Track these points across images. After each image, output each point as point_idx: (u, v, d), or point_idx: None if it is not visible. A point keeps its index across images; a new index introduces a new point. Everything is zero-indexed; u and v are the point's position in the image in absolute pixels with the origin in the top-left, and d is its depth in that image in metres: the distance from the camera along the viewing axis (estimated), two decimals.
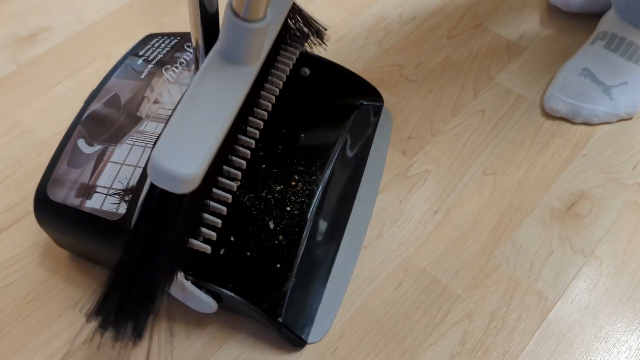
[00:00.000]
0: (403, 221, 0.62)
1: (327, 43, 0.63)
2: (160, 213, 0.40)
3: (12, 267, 0.58)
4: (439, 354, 0.53)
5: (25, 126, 0.70)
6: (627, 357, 0.54)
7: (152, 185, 0.39)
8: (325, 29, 0.61)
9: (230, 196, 0.48)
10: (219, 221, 0.47)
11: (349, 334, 0.54)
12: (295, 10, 0.58)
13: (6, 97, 0.73)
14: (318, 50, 0.64)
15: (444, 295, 0.57)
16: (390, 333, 0.54)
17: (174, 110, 0.38)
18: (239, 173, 0.49)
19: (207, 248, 0.47)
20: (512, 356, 0.53)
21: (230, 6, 0.38)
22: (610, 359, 0.54)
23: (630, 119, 0.71)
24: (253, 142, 0.50)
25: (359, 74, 0.75)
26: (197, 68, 0.47)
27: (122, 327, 0.41)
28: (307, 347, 0.53)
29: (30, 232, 0.60)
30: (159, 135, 0.37)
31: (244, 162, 0.49)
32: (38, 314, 0.55)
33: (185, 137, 0.37)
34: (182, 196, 0.38)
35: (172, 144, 0.36)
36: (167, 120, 0.42)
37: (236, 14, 0.38)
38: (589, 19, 0.82)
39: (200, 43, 0.45)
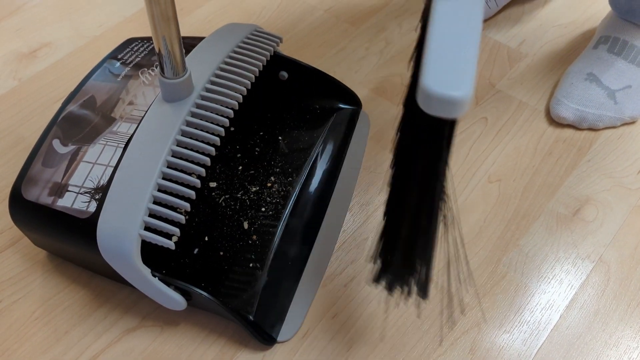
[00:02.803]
0: None
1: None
2: (433, 146, 0.39)
3: (17, 285, 0.58)
4: None
5: (28, 142, 0.70)
6: None
7: (420, 119, 0.37)
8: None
9: (193, 192, 0.48)
10: (182, 217, 0.48)
11: (357, 346, 0.54)
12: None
13: (8, 114, 0.73)
14: (317, 60, 0.65)
15: (452, 304, 0.56)
16: (399, 344, 0.54)
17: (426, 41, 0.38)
18: (207, 160, 0.50)
19: (170, 244, 0.47)
20: None
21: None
22: None
23: (633, 122, 0.71)
24: (218, 139, 0.51)
25: (360, 84, 0.75)
26: (162, 71, 0.50)
27: (407, 283, 0.43)
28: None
29: (35, 248, 0.60)
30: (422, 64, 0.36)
31: (208, 159, 0.50)
32: (45, 330, 0.55)
33: (449, 61, 0.36)
34: (452, 122, 0.38)
35: (439, 70, 0.36)
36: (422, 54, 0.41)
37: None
38: (586, 24, 0.82)
39: (163, 49, 0.47)
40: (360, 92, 0.74)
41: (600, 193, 0.65)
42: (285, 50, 0.79)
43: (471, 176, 0.66)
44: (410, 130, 0.42)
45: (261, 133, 0.67)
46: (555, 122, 0.71)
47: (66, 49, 0.80)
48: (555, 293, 0.57)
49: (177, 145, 0.49)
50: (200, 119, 0.51)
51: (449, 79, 0.35)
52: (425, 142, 0.39)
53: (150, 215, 0.47)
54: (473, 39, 0.38)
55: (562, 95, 0.70)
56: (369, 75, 0.76)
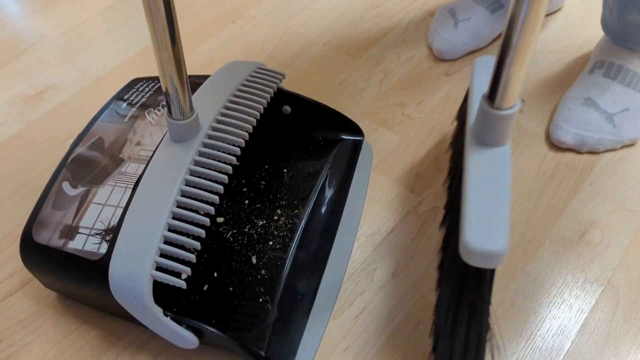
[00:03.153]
0: (417, 259, 0.62)
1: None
2: (476, 290, 0.45)
3: (28, 327, 0.58)
4: None
5: (36, 184, 0.70)
6: None
7: (464, 268, 0.43)
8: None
9: (203, 231, 0.49)
10: (193, 256, 0.48)
11: None
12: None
13: (16, 156, 0.74)
14: (319, 93, 0.66)
15: None
16: None
17: None
18: (216, 198, 0.51)
19: (182, 283, 0.48)
20: None
21: (485, 99, 0.45)
22: None
23: (633, 144, 0.72)
24: (226, 177, 0.52)
25: (362, 114, 0.76)
26: (169, 112, 0.51)
27: None
28: None
29: (45, 290, 0.60)
30: (463, 221, 0.43)
31: (217, 198, 0.51)
32: None
33: (485, 216, 0.42)
34: (492, 271, 0.44)
35: (478, 227, 0.41)
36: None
37: (492, 106, 0.45)
38: (581, 49, 0.84)
39: (171, 90, 0.48)
40: (362, 123, 0.75)
41: (605, 216, 0.65)
42: (287, 83, 0.80)
43: None
44: (454, 274, 0.47)
45: (266, 166, 0.68)
46: (555, 146, 0.72)
47: (71, 90, 0.82)
48: (566, 318, 0.57)
49: (186, 185, 0.50)
50: (208, 158, 0.52)
51: (487, 234, 0.40)
52: (469, 287, 0.45)
53: (161, 255, 0.47)
54: (505, 193, 0.43)
55: (561, 120, 0.72)
56: (370, 105, 0.78)
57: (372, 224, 0.65)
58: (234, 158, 0.53)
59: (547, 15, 0.89)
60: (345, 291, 0.60)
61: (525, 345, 0.56)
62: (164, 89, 0.49)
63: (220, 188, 0.51)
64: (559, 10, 0.90)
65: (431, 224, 0.65)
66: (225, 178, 0.51)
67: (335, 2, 0.94)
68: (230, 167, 0.52)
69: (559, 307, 0.58)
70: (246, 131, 0.56)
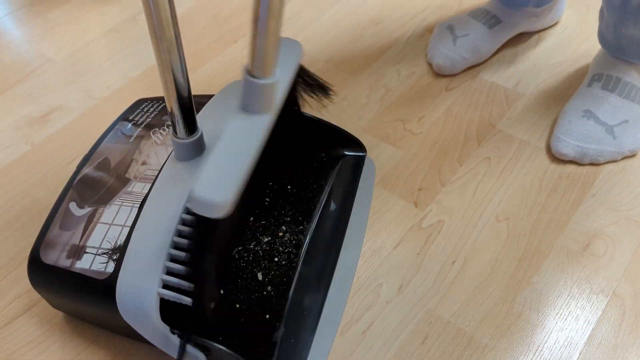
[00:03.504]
0: (422, 273, 0.62)
1: (332, 99, 0.66)
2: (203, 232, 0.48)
3: (36, 349, 0.58)
4: None
5: (43, 204, 0.71)
6: None
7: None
8: (331, 87, 0.65)
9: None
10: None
11: None
12: (303, 71, 0.62)
13: (22, 177, 0.74)
14: (321, 110, 0.67)
15: (471, 346, 0.57)
16: None
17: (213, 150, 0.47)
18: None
19: (188, 300, 0.48)
20: None
21: (246, 69, 0.46)
22: None
23: (633, 155, 0.72)
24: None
25: (364, 130, 0.77)
26: (174, 132, 0.52)
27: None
28: None
29: (52, 311, 0.60)
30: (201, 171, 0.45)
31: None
32: None
33: (218, 173, 0.45)
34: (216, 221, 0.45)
35: (209, 179, 0.44)
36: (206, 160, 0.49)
37: (250, 75, 0.46)
38: (578, 62, 0.85)
39: (176, 110, 0.49)
40: (365, 139, 0.76)
41: (608, 227, 0.66)
42: None
43: (479, 216, 0.67)
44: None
45: (270, 183, 0.68)
46: (557, 158, 0.72)
47: (76, 111, 0.83)
48: (573, 330, 0.58)
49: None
50: None
51: (213, 187, 0.43)
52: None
53: (168, 273, 0.48)
54: (247, 155, 0.46)
55: (561, 132, 0.72)
56: (372, 121, 0.78)
57: (377, 239, 0.66)
58: None
59: (545, 29, 0.91)
60: (352, 306, 0.60)
61: (533, 358, 0.56)
62: (168, 109, 0.49)
63: None
64: (556, 24, 0.91)
65: (436, 237, 0.65)
66: None
67: (335, 21, 0.95)
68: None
69: (566, 319, 0.58)
70: None
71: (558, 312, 0.59)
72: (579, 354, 0.56)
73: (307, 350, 0.56)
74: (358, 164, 0.71)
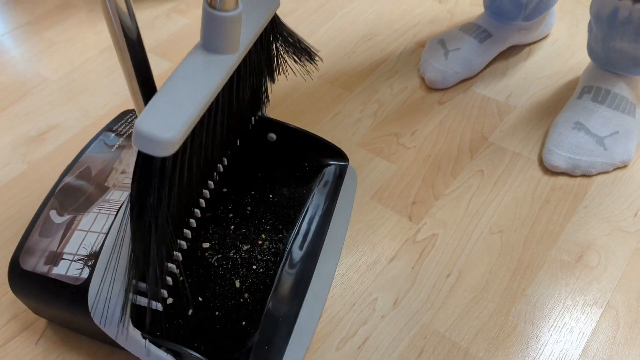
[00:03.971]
0: (417, 287, 0.63)
1: (317, 62, 0.64)
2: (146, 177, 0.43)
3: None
4: None
5: None
6: None
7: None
8: (317, 51, 0.62)
9: (180, 254, 0.51)
10: (170, 280, 0.50)
11: None
12: (282, 27, 0.60)
13: (20, 197, 0.75)
14: (315, 124, 0.67)
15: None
16: None
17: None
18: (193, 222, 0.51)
19: (159, 306, 0.49)
20: None
21: (205, 1, 0.43)
22: None
23: (625, 166, 0.73)
24: (207, 192, 0.54)
25: (358, 145, 0.78)
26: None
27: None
28: None
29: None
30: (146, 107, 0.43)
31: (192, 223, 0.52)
32: None
33: (166, 109, 0.42)
34: (163, 161, 0.42)
35: (154, 114, 0.42)
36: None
37: (211, 6, 0.43)
38: (569, 75, 0.86)
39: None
40: (358, 153, 0.76)
41: (601, 238, 0.66)
42: (283, 117, 0.82)
43: (473, 229, 0.68)
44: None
45: (252, 192, 0.69)
46: (549, 170, 0.73)
47: (73, 129, 0.83)
48: (568, 342, 0.58)
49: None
50: None
51: (158, 123, 0.40)
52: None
53: (141, 279, 0.48)
54: (201, 94, 0.43)
55: (552, 144, 0.73)
56: (365, 136, 0.79)
57: (371, 253, 0.66)
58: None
59: (535, 42, 0.92)
60: (347, 321, 0.60)
61: None
62: (137, 114, 0.50)
63: (198, 212, 0.52)
64: (546, 37, 0.93)
65: (430, 251, 0.66)
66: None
67: (328, 37, 0.96)
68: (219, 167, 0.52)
69: (560, 331, 0.59)
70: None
71: (552, 324, 0.59)
72: None
73: (280, 358, 0.56)
74: (340, 174, 0.72)
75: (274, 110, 0.83)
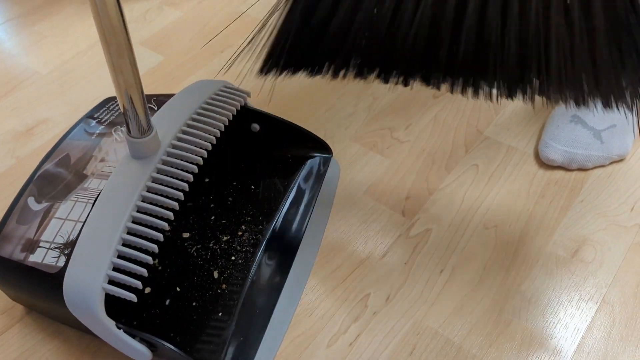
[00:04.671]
0: (410, 283, 0.62)
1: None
2: None
3: None
4: None
5: None
6: None
7: None
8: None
9: (156, 246, 0.50)
10: (145, 271, 0.49)
11: None
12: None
13: (7, 192, 0.74)
14: (308, 118, 0.66)
15: (459, 356, 0.56)
16: None
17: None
18: (171, 215, 0.51)
19: (133, 297, 0.48)
20: None
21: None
22: None
23: (621, 160, 0.72)
24: (186, 185, 0.53)
25: (351, 139, 0.77)
26: (128, 130, 0.52)
27: None
28: None
29: (42, 323, 0.60)
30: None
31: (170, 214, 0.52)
32: None
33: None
34: None
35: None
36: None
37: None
38: None
39: (129, 108, 0.49)
40: (352, 148, 0.75)
41: (597, 233, 0.65)
42: (275, 109, 0.81)
43: (467, 224, 0.67)
44: None
45: (234, 183, 0.69)
46: (545, 164, 0.72)
47: (62, 124, 0.82)
48: (562, 338, 0.57)
49: (142, 201, 0.51)
50: (166, 175, 0.53)
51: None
52: None
53: (116, 269, 0.48)
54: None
55: (549, 138, 0.72)
56: (359, 130, 0.78)
57: (364, 248, 0.65)
58: (190, 176, 0.53)
59: None
60: (339, 318, 0.59)
61: None
62: (121, 108, 0.49)
63: (175, 204, 0.51)
64: None
65: (423, 246, 0.65)
66: (180, 195, 0.52)
67: None
68: (186, 185, 0.53)
69: (555, 327, 0.58)
70: (205, 149, 0.56)
71: (547, 320, 0.58)
72: None
73: (256, 349, 0.56)
74: (323, 166, 0.70)
75: (266, 102, 0.82)
